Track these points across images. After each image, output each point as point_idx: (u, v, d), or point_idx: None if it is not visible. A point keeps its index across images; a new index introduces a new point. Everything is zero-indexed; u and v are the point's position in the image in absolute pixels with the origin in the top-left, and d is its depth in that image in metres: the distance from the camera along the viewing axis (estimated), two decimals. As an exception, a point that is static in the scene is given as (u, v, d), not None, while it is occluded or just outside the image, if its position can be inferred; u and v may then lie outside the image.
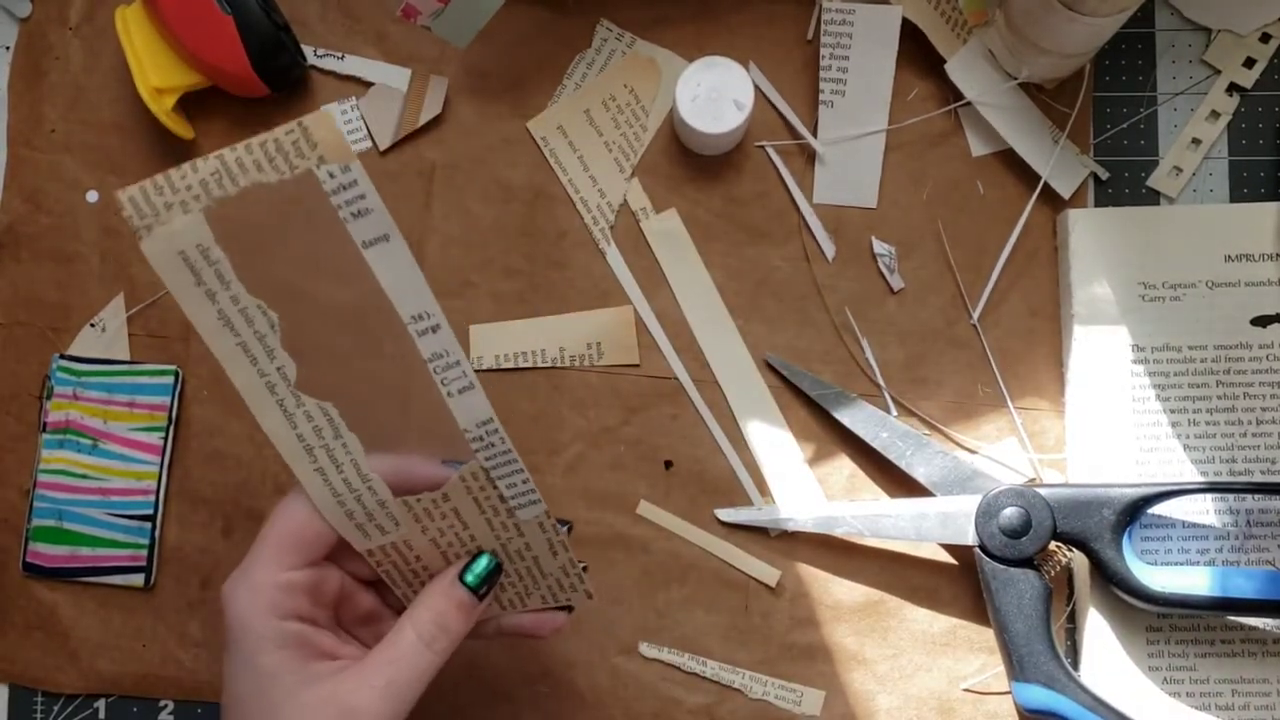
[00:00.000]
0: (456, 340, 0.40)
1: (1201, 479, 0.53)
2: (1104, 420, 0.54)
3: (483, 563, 0.45)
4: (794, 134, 0.57)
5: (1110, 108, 0.57)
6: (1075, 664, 0.54)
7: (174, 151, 0.58)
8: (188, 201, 0.37)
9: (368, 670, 0.42)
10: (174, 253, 0.38)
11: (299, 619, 0.42)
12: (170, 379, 0.57)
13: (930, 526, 0.52)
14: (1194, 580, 0.50)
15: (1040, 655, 0.51)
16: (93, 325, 0.58)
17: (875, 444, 0.54)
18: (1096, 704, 0.50)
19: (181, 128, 0.57)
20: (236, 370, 0.40)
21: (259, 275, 0.39)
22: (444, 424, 0.41)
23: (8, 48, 0.60)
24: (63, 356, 0.57)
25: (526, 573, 0.46)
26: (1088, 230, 0.55)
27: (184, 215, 0.37)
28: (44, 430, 0.57)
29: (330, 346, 0.41)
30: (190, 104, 0.57)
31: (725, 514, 0.55)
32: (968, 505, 0.52)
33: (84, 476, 0.57)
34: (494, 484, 0.43)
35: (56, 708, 0.57)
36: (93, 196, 0.59)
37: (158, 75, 0.55)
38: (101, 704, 0.57)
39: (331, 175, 0.37)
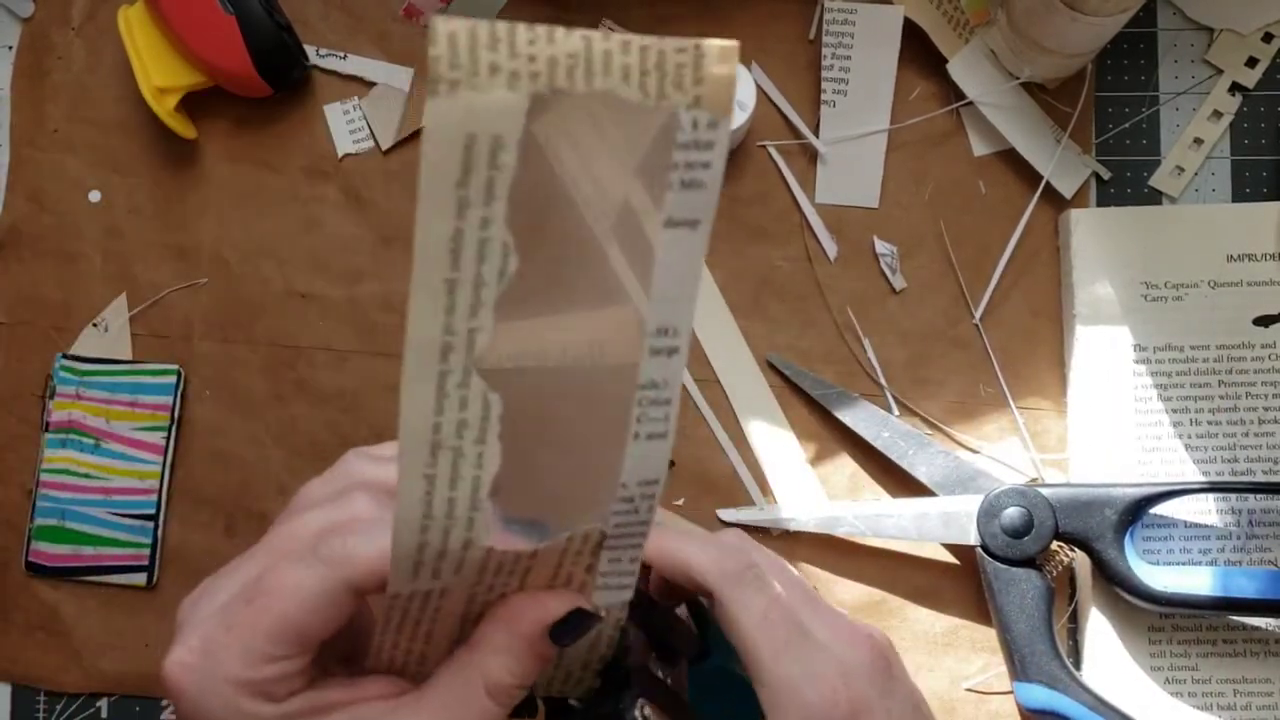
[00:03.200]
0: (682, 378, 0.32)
1: (1204, 479, 0.53)
2: (1106, 420, 0.54)
3: (582, 615, 0.34)
4: (796, 133, 0.57)
5: (1112, 107, 0.57)
6: (1077, 664, 0.54)
7: (177, 151, 0.58)
8: (520, 75, 0.27)
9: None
10: (462, 132, 0.28)
11: (292, 694, 0.33)
12: (173, 378, 0.57)
13: (932, 526, 0.52)
14: (1196, 580, 0.50)
15: (1042, 655, 0.50)
16: (95, 325, 0.58)
17: (877, 444, 0.54)
18: (1099, 704, 0.50)
19: (184, 127, 0.57)
20: (424, 313, 0.29)
21: (529, 206, 0.29)
22: (602, 471, 0.31)
23: (10, 47, 0.60)
24: (65, 356, 0.57)
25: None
26: (1090, 230, 0.55)
27: (507, 91, 0.27)
28: (46, 429, 0.57)
29: None
30: (192, 104, 0.57)
31: (727, 514, 0.55)
32: (969, 505, 0.52)
33: (86, 476, 0.57)
34: (598, 555, 0.33)
35: (59, 707, 0.57)
36: (95, 196, 0.59)
37: (160, 75, 0.55)
38: (104, 703, 0.57)
39: (695, 125, 0.29)
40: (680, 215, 0.30)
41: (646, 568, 0.37)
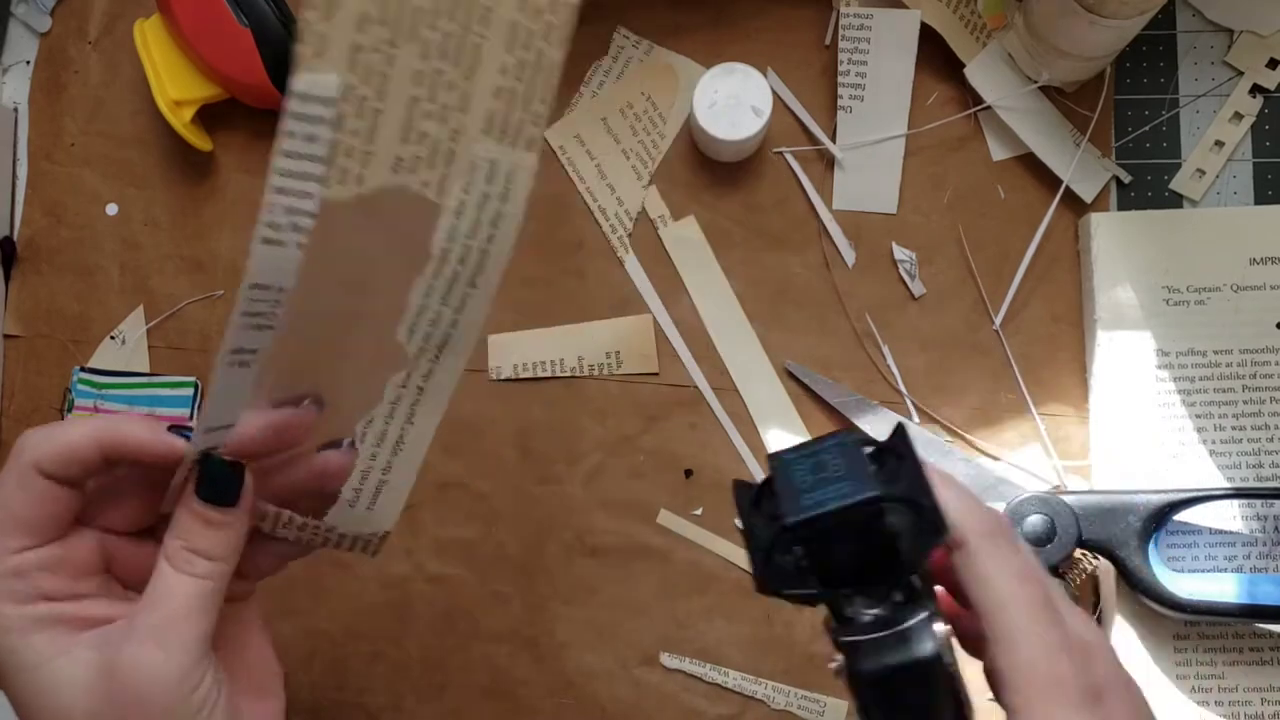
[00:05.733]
0: None
1: (1228, 485, 0.53)
2: (1129, 426, 0.53)
3: (213, 468, 0.36)
4: (813, 140, 0.57)
5: (1132, 110, 0.56)
6: (1102, 672, 0.53)
7: (193, 164, 0.59)
8: None
9: (133, 620, 0.36)
10: None
11: (46, 600, 0.37)
12: (190, 390, 0.57)
13: (954, 534, 0.52)
14: (1221, 587, 0.50)
15: (1066, 664, 0.50)
16: (113, 337, 0.58)
17: (897, 451, 0.54)
18: (1124, 713, 0.49)
19: (200, 140, 0.57)
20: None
21: None
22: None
23: (28, 62, 0.60)
24: (83, 369, 0.58)
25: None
26: (1110, 234, 0.54)
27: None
28: (65, 443, 0.57)
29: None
30: (208, 116, 0.57)
31: (746, 523, 0.55)
32: (991, 513, 0.52)
33: (105, 489, 0.57)
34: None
35: None
36: (112, 209, 0.59)
37: (176, 88, 0.56)
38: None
39: None
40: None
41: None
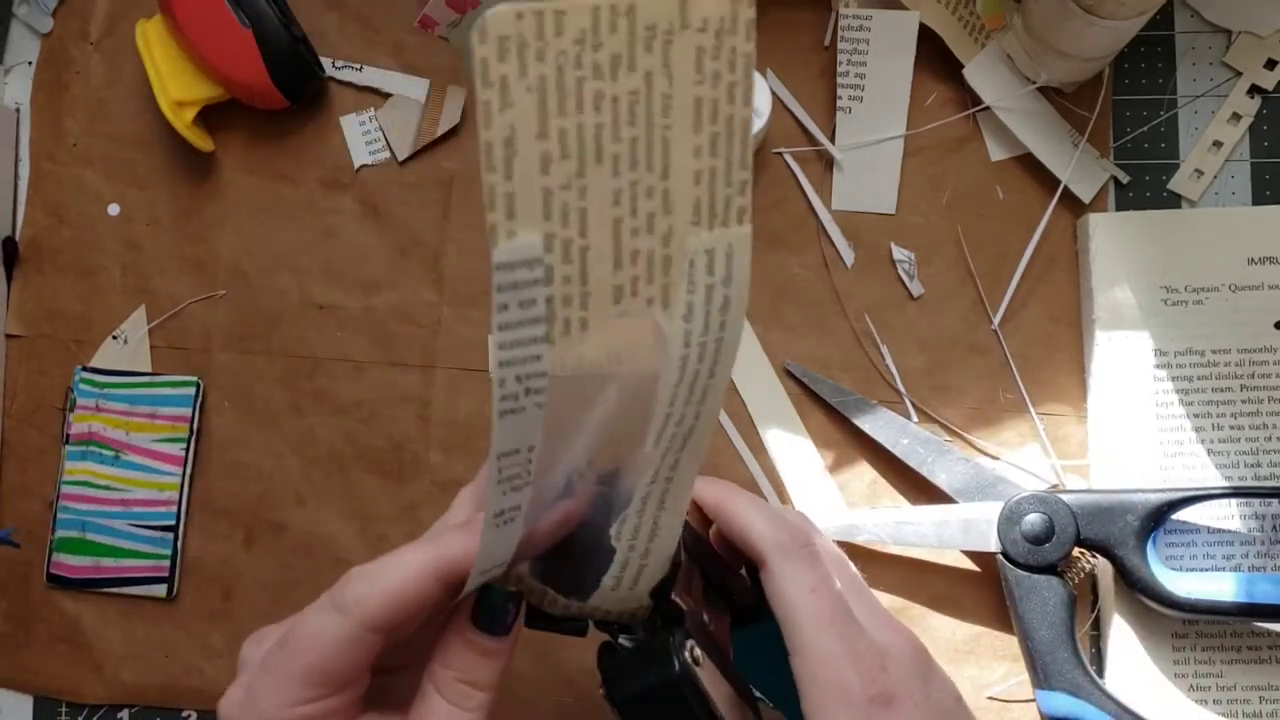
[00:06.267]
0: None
1: (1226, 484, 0.53)
2: (1127, 425, 0.53)
3: (493, 597, 0.36)
4: (812, 140, 0.57)
5: (1130, 111, 0.56)
6: (1100, 671, 0.53)
7: (194, 164, 0.59)
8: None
9: None
10: None
11: None
12: (191, 390, 0.57)
13: (952, 533, 0.52)
14: (1219, 586, 0.50)
15: (1064, 663, 0.50)
16: (115, 337, 0.58)
17: (896, 451, 0.54)
18: (1122, 711, 0.49)
19: (201, 140, 0.57)
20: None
21: None
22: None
23: (30, 62, 0.60)
24: (85, 368, 0.58)
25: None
26: (1109, 234, 0.54)
27: None
28: (67, 442, 0.57)
29: None
30: (210, 116, 0.58)
31: (746, 522, 0.55)
32: (990, 512, 0.52)
33: (106, 488, 0.57)
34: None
35: (80, 718, 0.57)
36: (114, 209, 0.59)
37: (178, 88, 0.56)
38: (125, 714, 0.57)
39: None
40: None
41: (708, 521, 0.39)
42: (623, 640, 0.37)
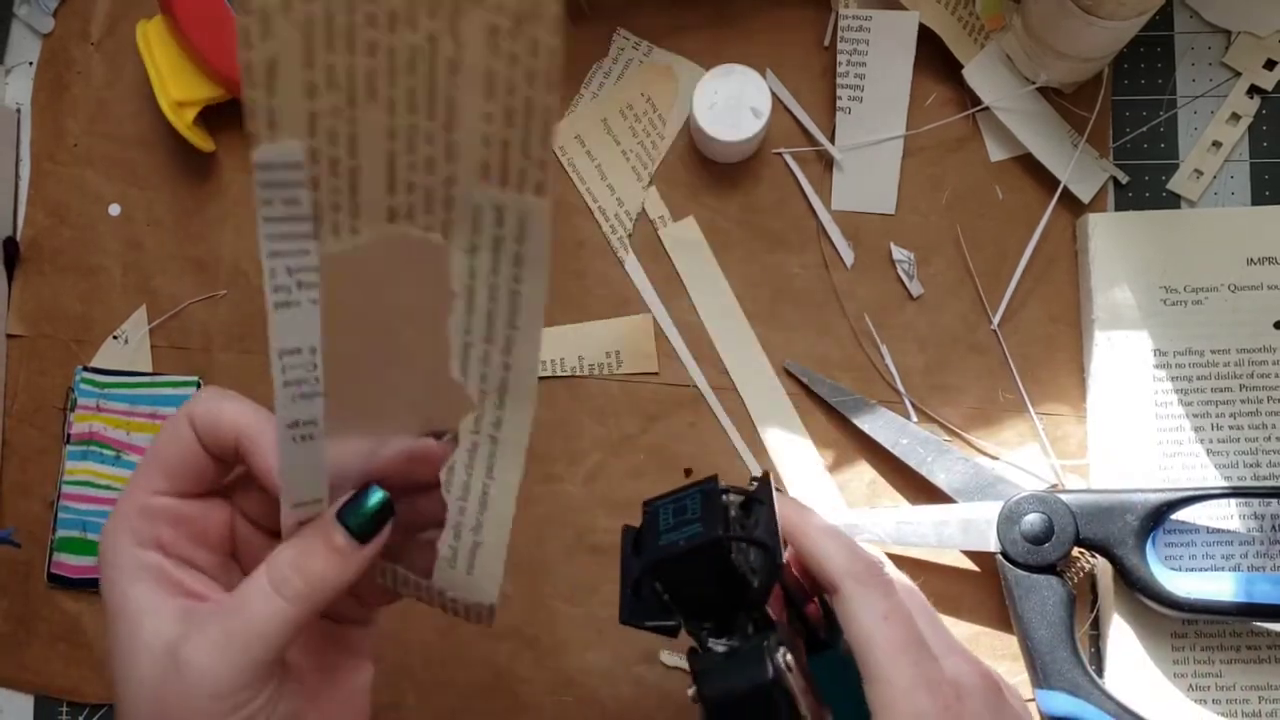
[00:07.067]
0: None
1: (1225, 484, 0.53)
2: (1126, 425, 0.54)
3: (373, 499, 0.36)
4: (812, 141, 0.57)
5: (1130, 111, 0.57)
6: (1100, 671, 0.53)
7: (195, 164, 0.59)
8: None
9: (207, 618, 0.35)
10: None
11: (160, 549, 0.37)
12: (192, 390, 0.57)
13: (952, 533, 0.52)
14: (1218, 586, 0.50)
15: (1064, 662, 0.50)
16: (115, 337, 0.58)
17: (895, 451, 0.54)
18: (1121, 711, 0.49)
19: (202, 140, 0.57)
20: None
21: None
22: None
23: (31, 63, 0.60)
24: (86, 368, 0.58)
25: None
26: (1108, 234, 0.54)
27: None
28: (67, 441, 0.57)
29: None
30: (211, 117, 0.58)
31: (746, 521, 0.55)
32: (989, 512, 0.52)
33: (107, 488, 0.57)
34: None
35: (81, 718, 0.57)
36: (115, 209, 0.59)
37: (179, 89, 0.56)
38: (126, 714, 0.57)
39: None
40: None
41: (785, 544, 0.39)
42: (713, 644, 0.38)
